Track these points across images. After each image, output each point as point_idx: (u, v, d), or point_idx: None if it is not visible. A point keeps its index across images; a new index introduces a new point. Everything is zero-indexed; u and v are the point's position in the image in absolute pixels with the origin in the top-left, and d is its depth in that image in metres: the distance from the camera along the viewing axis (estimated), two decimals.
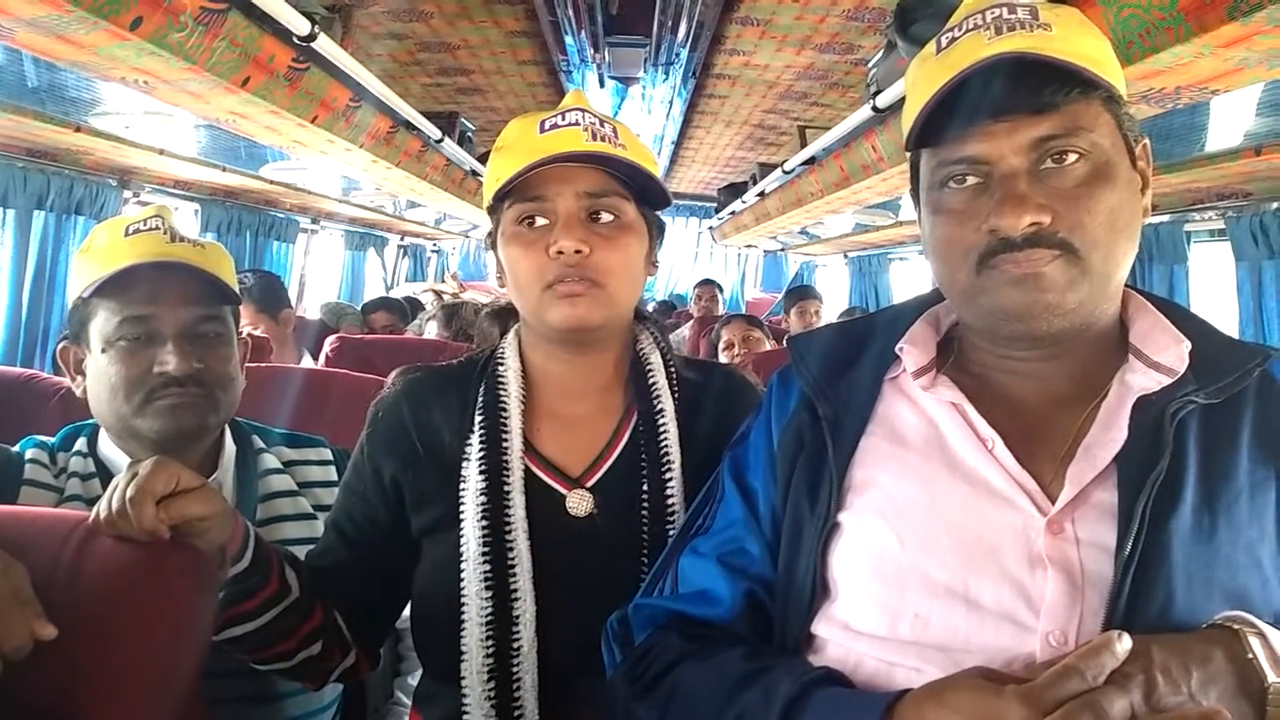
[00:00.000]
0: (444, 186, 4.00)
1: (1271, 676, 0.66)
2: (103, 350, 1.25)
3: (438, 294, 5.79)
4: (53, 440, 1.33)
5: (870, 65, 2.49)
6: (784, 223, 4.98)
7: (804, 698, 0.75)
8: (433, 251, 8.35)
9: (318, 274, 5.80)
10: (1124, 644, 0.65)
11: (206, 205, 3.83)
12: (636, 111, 4.72)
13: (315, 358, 2.96)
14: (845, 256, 7.20)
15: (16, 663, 0.82)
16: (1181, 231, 3.02)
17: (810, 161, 3.41)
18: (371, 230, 6.41)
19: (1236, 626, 0.69)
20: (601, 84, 3.90)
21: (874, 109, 2.28)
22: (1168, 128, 1.96)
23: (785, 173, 3.87)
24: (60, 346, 1.35)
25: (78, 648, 0.87)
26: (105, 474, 1.29)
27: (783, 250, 8.73)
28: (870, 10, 2.66)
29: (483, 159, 4.62)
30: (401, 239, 7.26)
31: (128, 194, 3.20)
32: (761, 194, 4.84)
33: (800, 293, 4.61)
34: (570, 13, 2.90)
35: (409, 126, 2.95)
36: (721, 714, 0.79)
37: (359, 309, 4.27)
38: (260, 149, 2.99)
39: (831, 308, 6.29)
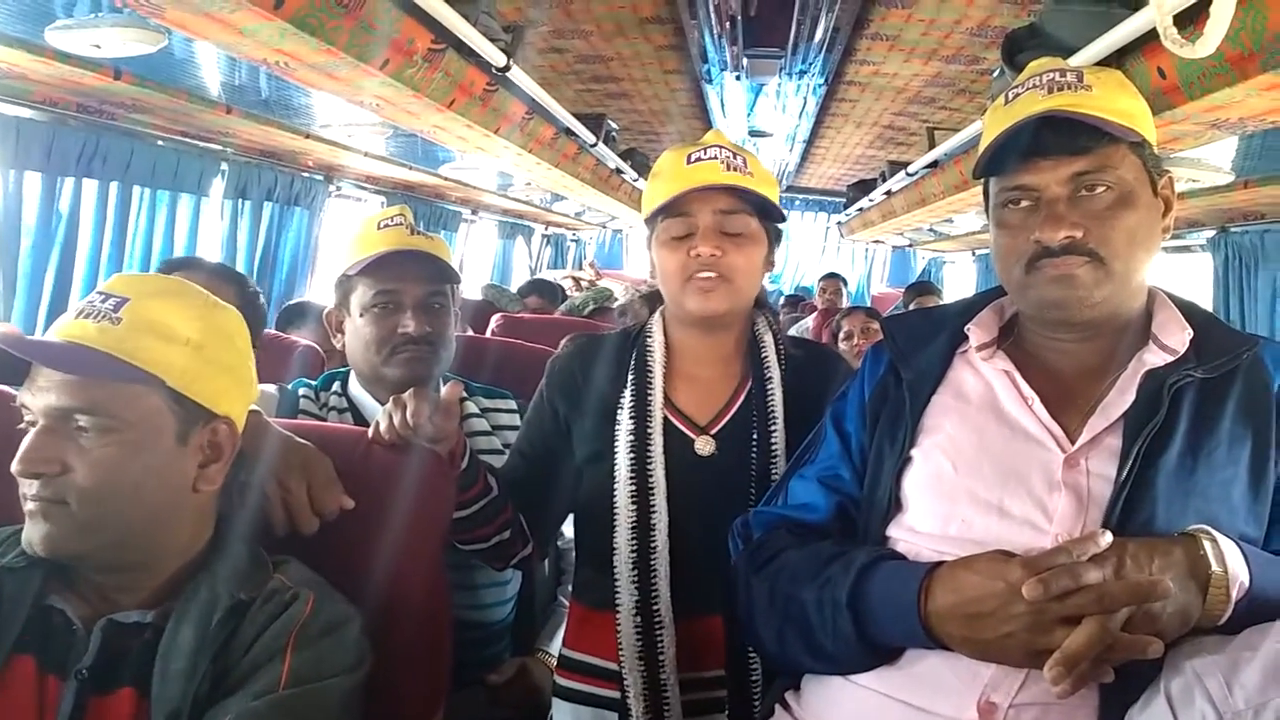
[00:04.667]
0: (592, 183, 4.38)
1: (1215, 567, 0.87)
2: (360, 314, 1.59)
3: (576, 280, 6.22)
4: (316, 382, 1.71)
5: (992, 79, 2.67)
6: (909, 221, 5.10)
7: (873, 566, 1.01)
8: (572, 241, 8.78)
9: (474, 259, 6.34)
10: (1105, 538, 0.86)
11: (390, 198, 4.30)
12: (770, 110, 4.92)
13: (479, 332, 3.37)
14: (973, 254, 7.16)
15: (323, 525, 1.15)
16: None
17: (934, 165, 3.60)
18: (520, 220, 6.86)
19: (1198, 534, 0.90)
20: (739, 80, 4.15)
21: None
22: (1274, 145, 2.08)
23: (909, 175, 4.06)
24: (326, 311, 1.71)
25: (361, 523, 1.16)
26: (354, 409, 1.65)
27: (910, 246, 8.69)
28: (993, 29, 2.80)
29: (624, 156, 4.99)
30: (545, 229, 7.70)
31: (331, 188, 3.72)
32: (888, 193, 5.00)
33: (920, 288, 4.75)
34: (714, 28, 3.20)
35: (569, 132, 3.34)
36: (814, 579, 1.04)
37: (515, 291, 4.74)
38: (433, 149, 3.40)
39: None
